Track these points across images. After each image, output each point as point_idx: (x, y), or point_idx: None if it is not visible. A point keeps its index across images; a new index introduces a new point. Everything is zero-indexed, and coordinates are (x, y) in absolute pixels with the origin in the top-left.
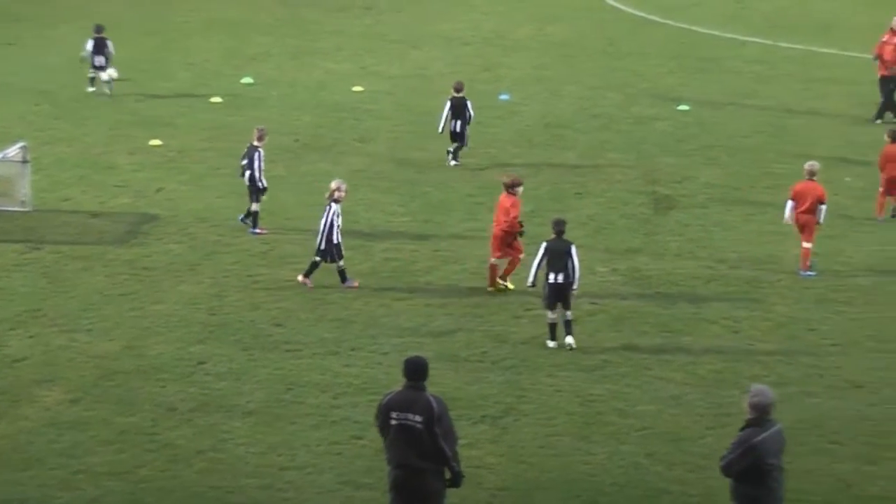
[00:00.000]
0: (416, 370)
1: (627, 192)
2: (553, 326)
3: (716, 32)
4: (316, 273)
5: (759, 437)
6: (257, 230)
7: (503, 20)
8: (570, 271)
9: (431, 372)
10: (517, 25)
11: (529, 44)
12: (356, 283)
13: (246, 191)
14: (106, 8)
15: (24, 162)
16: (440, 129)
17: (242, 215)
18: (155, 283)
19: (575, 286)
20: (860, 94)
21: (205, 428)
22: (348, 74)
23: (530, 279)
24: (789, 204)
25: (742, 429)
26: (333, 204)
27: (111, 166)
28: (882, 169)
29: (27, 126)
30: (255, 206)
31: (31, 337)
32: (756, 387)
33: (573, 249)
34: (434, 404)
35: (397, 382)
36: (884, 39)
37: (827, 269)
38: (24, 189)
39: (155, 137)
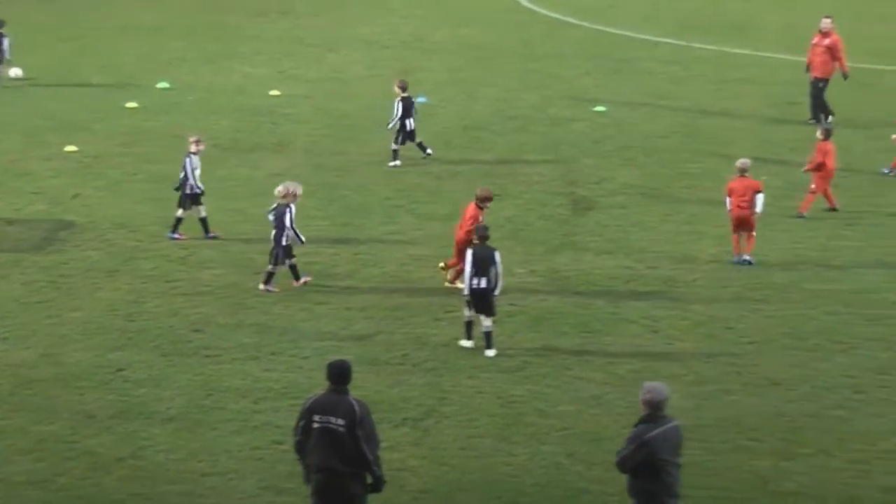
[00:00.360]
0: (339, 374)
1: (546, 193)
2: (469, 325)
3: (630, 34)
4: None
5: (652, 433)
6: (176, 235)
7: (421, 23)
8: (493, 277)
9: (352, 375)
10: (435, 28)
11: (447, 46)
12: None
13: (179, 199)
14: (20, 9)
15: None
16: (389, 126)
17: (210, 233)
18: (72, 290)
19: (496, 292)
20: (774, 95)
21: (124, 435)
22: (266, 78)
23: (466, 290)
24: (728, 200)
25: (636, 424)
26: (293, 205)
27: (26, 172)
28: (818, 169)
29: None
30: (180, 213)
31: None
32: (648, 384)
33: (497, 256)
34: (356, 407)
35: (318, 386)
36: (814, 42)
37: (743, 268)
38: None
39: (70, 143)
